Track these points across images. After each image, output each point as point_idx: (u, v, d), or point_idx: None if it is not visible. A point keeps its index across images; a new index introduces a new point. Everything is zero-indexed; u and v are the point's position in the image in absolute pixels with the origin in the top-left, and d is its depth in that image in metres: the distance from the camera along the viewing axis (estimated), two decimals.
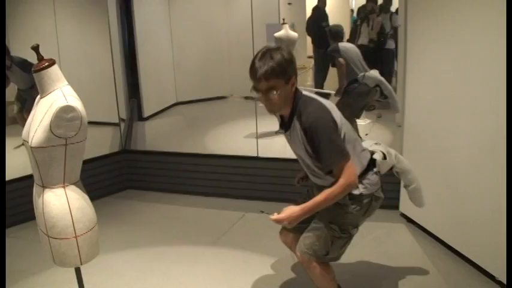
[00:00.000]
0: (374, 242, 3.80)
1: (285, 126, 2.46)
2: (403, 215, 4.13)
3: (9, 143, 4.50)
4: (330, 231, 2.50)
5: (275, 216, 2.31)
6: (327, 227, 2.50)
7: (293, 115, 2.38)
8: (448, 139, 3.42)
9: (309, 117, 2.29)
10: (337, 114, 2.37)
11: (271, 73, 2.21)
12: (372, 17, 5.76)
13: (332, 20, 6.42)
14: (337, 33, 5.07)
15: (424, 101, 3.69)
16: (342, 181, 2.28)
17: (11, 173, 4.34)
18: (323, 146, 2.28)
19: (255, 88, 2.30)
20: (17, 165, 4.43)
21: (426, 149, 3.69)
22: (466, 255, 3.35)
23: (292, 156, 2.62)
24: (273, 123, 5.38)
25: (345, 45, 5.01)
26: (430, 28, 3.51)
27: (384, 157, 2.59)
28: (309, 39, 6.89)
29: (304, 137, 2.34)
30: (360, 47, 5.89)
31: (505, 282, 2.98)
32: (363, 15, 5.97)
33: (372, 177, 2.52)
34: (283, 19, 5.83)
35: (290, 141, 2.51)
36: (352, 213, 2.49)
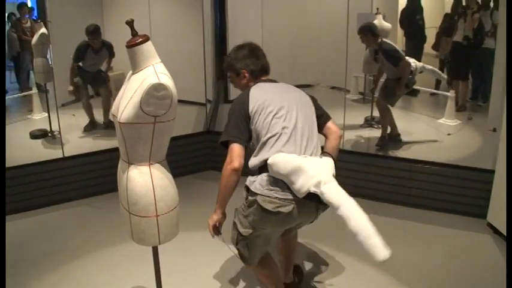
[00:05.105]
0: (455, 250, 3.61)
1: None
2: (490, 225, 3.86)
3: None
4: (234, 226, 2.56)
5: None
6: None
7: None
8: None
9: None
10: (259, 103, 2.50)
11: (225, 68, 2.81)
12: (469, 12, 5.41)
13: (427, 14, 6.11)
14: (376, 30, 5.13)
15: None
16: (225, 162, 2.47)
17: (100, 145, 4.55)
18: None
19: None
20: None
21: None
22: None
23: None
24: (362, 116, 5.23)
25: None
26: None
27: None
28: (399, 31, 6.59)
29: None
30: (453, 44, 5.58)
31: None
32: (460, 10, 5.62)
33: (264, 177, 2.43)
34: (377, 8, 5.61)
35: None
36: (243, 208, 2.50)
